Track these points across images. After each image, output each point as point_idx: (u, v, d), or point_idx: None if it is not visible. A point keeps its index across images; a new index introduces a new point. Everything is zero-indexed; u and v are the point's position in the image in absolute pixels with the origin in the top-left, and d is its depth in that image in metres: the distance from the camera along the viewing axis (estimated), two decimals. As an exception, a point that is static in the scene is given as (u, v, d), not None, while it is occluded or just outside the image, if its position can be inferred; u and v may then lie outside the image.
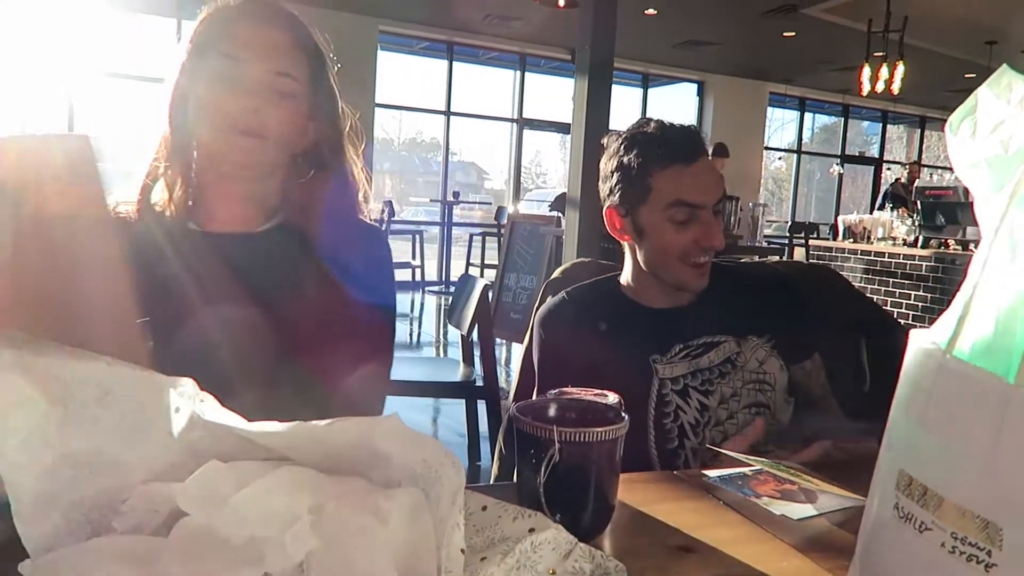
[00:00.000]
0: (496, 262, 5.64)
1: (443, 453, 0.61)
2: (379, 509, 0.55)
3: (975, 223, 0.61)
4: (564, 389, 0.86)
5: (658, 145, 1.27)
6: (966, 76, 9.20)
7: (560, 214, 5.43)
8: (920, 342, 0.46)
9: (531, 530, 0.61)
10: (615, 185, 1.31)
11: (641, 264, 1.34)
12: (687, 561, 0.68)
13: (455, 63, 9.67)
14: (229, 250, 1.04)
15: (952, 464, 0.42)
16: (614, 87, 4.52)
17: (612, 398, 0.81)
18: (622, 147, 1.31)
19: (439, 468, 0.60)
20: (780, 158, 12.64)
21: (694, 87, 11.02)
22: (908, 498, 0.45)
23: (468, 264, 8.40)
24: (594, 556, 0.61)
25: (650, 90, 10.98)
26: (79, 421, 0.60)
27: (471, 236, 8.83)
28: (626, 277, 1.39)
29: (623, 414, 0.74)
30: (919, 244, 5.95)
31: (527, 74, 10.09)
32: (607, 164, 1.34)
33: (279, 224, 1.09)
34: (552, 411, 0.76)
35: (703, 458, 1.24)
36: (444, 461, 0.61)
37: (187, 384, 0.61)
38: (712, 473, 0.91)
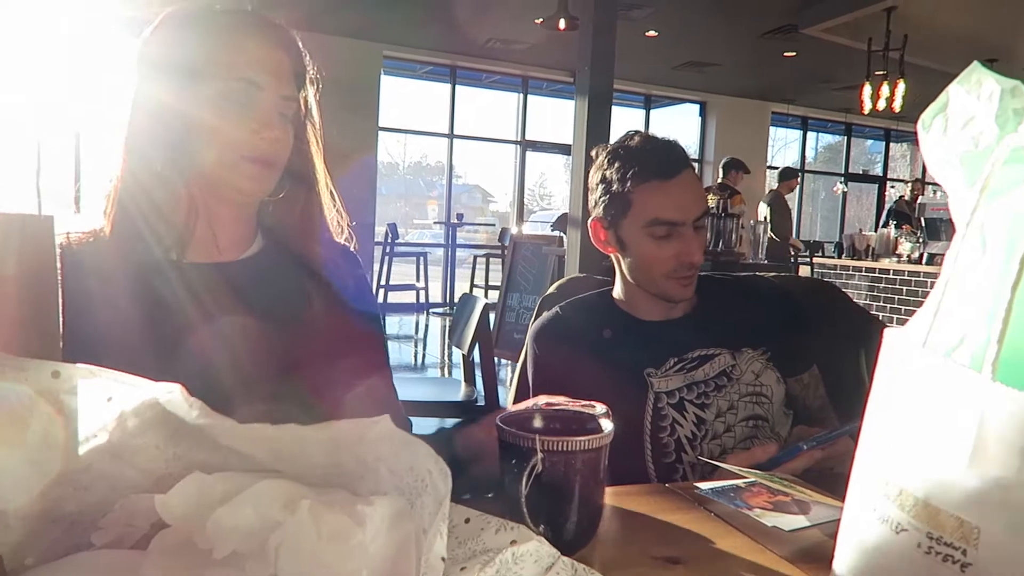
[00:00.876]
0: (500, 283, 5.64)
1: (432, 460, 0.60)
2: (356, 512, 0.54)
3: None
4: (551, 399, 0.86)
5: (639, 160, 1.27)
6: (967, 93, 9.20)
7: (562, 234, 5.43)
8: (894, 340, 0.46)
9: (513, 542, 0.60)
10: (599, 197, 1.32)
11: (627, 276, 1.34)
12: (674, 573, 0.67)
13: (458, 86, 9.75)
14: (221, 277, 0.99)
15: (928, 463, 0.42)
16: (616, 108, 4.55)
17: (600, 408, 0.81)
18: (606, 160, 1.32)
19: (426, 476, 0.60)
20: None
21: (696, 108, 11.08)
22: (885, 499, 0.44)
23: (472, 285, 8.41)
24: (576, 569, 0.60)
25: (653, 111, 11.04)
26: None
27: (475, 258, 8.85)
28: (618, 290, 1.40)
29: (607, 423, 0.73)
30: (923, 260, 5.93)
31: (530, 96, 10.17)
32: (593, 176, 1.35)
33: (264, 247, 1.06)
34: (536, 421, 0.75)
35: (701, 472, 1.23)
36: (432, 468, 0.60)
37: (175, 390, 0.61)
38: (704, 485, 0.90)
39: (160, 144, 0.94)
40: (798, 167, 12.40)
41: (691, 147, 11.06)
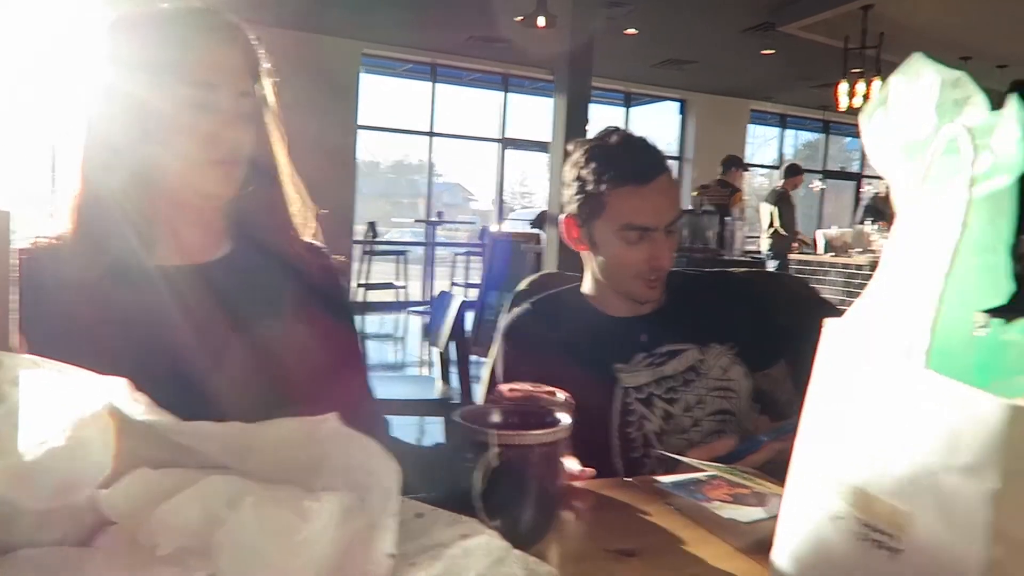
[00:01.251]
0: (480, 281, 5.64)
1: (381, 457, 0.60)
2: (303, 508, 0.54)
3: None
4: (515, 386, 0.86)
5: (615, 163, 1.26)
6: (943, 91, 9.32)
7: (541, 231, 5.43)
8: (833, 331, 0.46)
9: (463, 536, 0.60)
10: (574, 195, 1.32)
11: (597, 273, 1.34)
12: (628, 565, 0.67)
13: (439, 84, 9.72)
14: (193, 280, 0.97)
15: (864, 451, 0.42)
16: (596, 106, 4.56)
17: (561, 396, 0.81)
18: (583, 158, 1.31)
19: (375, 473, 0.59)
20: (762, 175, 12.73)
21: (676, 105, 11.11)
22: (823, 487, 0.44)
23: (452, 284, 8.39)
24: (527, 563, 0.60)
25: (633, 109, 11.06)
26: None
27: (455, 256, 8.82)
28: (587, 286, 1.40)
29: (565, 417, 0.73)
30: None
31: (511, 94, 10.15)
32: (568, 173, 1.34)
33: (234, 248, 1.04)
34: (494, 416, 0.75)
35: (667, 466, 1.23)
36: (381, 465, 0.60)
37: (120, 384, 0.60)
38: (664, 479, 0.90)
39: (119, 150, 0.92)
40: (777, 164, 12.49)
41: (671, 145, 11.10)
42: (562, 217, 1.36)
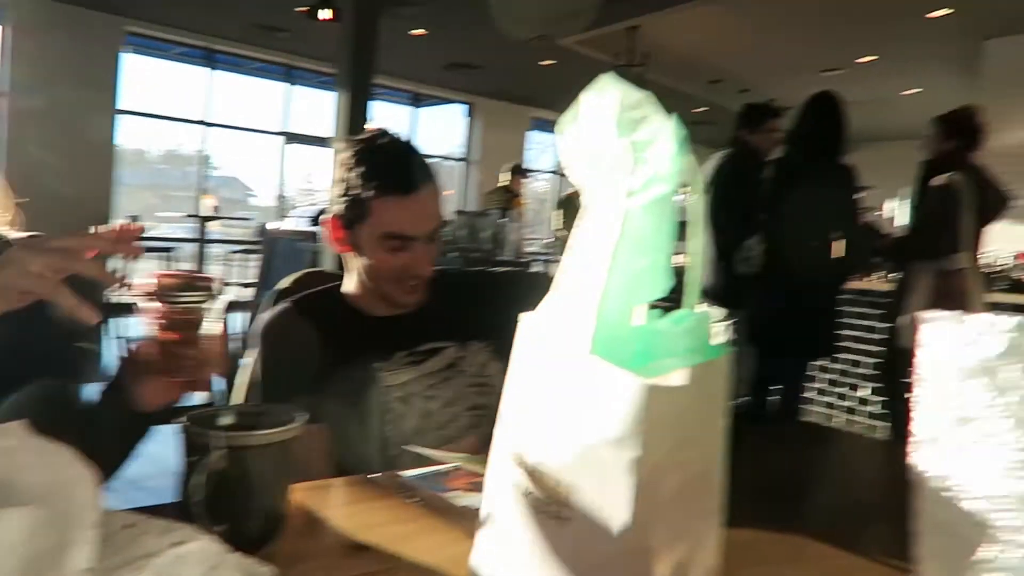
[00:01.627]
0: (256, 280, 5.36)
1: (74, 467, 0.56)
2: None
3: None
4: (166, 272, 0.82)
5: (381, 171, 1.27)
6: (694, 111, 10.40)
7: (319, 229, 5.30)
8: (525, 322, 0.50)
9: (176, 544, 0.57)
10: (339, 197, 1.30)
11: (359, 274, 1.34)
12: (360, 559, 0.68)
13: (216, 71, 9.15)
14: None
15: (540, 432, 0.46)
16: (384, 105, 4.55)
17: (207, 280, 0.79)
18: (351, 161, 1.29)
19: (70, 485, 0.55)
20: (543, 179, 13.36)
21: (464, 108, 11.35)
22: (511, 467, 0.48)
23: (225, 283, 7.91)
24: (245, 566, 0.58)
25: (421, 109, 11.13)
26: None
27: (230, 254, 8.33)
28: (350, 286, 1.39)
29: (299, 416, 0.72)
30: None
31: (296, 87, 9.80)
32: (336, 172, 1.32)
33: None
34: (221, 419, 0.72)
35: (422, 462, 1.26)
36: (74, 476, 0.56)
37: None
38: (407, 473, 0.92)
39: None
40: (557, 170, 13.16)
41: (458, 148, 11.31)
42: (327, 217, 1.34)
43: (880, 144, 9.22)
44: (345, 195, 1.29)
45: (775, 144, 3.47)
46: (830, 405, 4.71)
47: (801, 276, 3.24)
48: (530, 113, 11.78)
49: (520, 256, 5.58)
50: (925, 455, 0.38)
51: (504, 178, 7.21)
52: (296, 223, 7.24)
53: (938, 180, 3.17)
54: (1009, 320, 0.36)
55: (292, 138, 9.84)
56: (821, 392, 4.78)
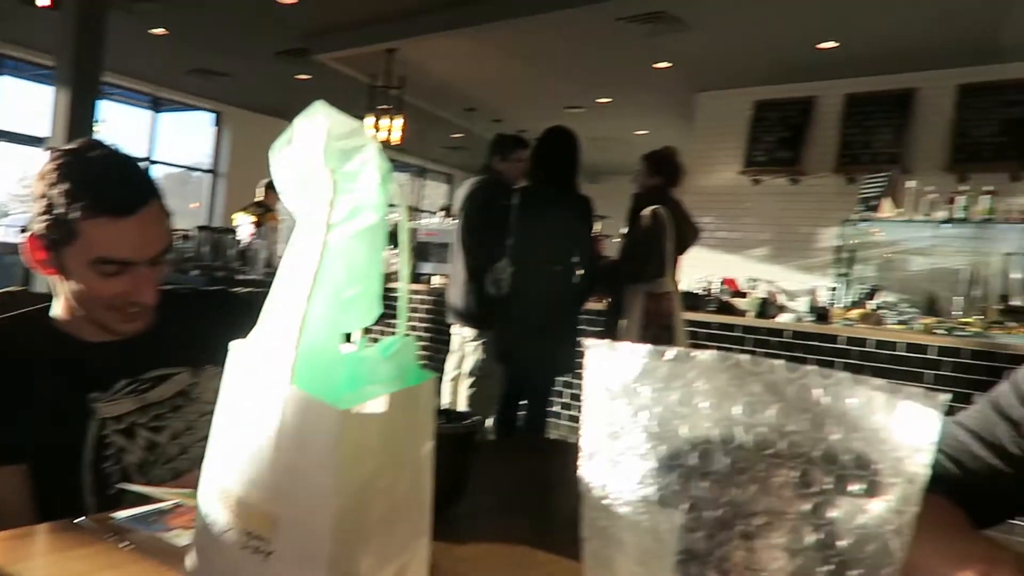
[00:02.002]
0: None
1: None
2: None
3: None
4: None
5: (91, 191, 1.11)
6: (452, 136, 10.73)
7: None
8: (235, 350, 0.49)
9: None
10: (40, 214, 1.14)
11: (70, 299, 1.20)
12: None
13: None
14: None
15: (243, 462, 0.45)
16: (119, 106, 4.14)
17: None
18: (54, 175, 1.14)
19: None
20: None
21: (211, 116, 10.69)
22: (215, 502, 0.46)
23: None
24: None
25: (162, 114, 10.29)
26: None
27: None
28: (58, 309, 1.24)
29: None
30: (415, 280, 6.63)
31: (5, 78, 8.60)
32: (37, 184, 1.15)
33: None
34: None
35: (144, 500, 1.16)
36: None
37: None
38: (121, 514, 0.85)
39: None
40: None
41: (205, 158, 10.62)
42: (25, 236, 1.17)
43: (618, 177, 10.16)
44: (48, 213, 1.14)
45: (522, 173, 3.70)
46: (573, 419, 5.07)
47: (545, 297, 3.48)
48: (284, 126, 11.38)
49: (271, 275, 5.35)
50: (588, 467, 0.44)
51: (259, 192, 6.91)
52: (5, 233, 6.33)
53: (646, 211, 3.58)
54: (644, 348, 0.43)
55: (2, 135, 8.61)
56: (566, 407, 5.13)
